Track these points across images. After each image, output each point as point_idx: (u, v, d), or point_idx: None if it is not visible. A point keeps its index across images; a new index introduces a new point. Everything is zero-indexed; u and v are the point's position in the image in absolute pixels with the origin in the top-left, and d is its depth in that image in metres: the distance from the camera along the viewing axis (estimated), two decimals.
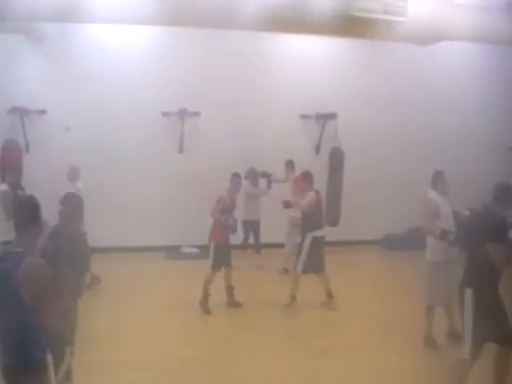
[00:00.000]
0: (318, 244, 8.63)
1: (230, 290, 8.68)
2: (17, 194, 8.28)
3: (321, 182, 11.07)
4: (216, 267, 8.44)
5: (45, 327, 3.46)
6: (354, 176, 12.06)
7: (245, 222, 10.91)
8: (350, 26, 9.37)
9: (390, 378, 6.20)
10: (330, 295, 8.70)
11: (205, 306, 8.35)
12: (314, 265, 8.61)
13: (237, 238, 9.61)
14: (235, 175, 8.76)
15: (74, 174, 9.38)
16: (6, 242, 8.60)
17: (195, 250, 11.64)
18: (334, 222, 11.17)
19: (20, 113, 11.45)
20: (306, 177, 8.84)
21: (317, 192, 8.79)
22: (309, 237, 8.57)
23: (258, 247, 11.15)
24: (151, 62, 12.10)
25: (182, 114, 12.15)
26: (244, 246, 11.12)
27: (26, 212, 3.67)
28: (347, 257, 11.90)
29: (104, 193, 10.95)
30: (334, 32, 10.41)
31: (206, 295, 8.37)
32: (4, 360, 3.52)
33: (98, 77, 11.70)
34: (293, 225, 10.20)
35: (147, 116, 12.04)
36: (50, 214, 4.55)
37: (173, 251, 11.75)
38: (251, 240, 11.23)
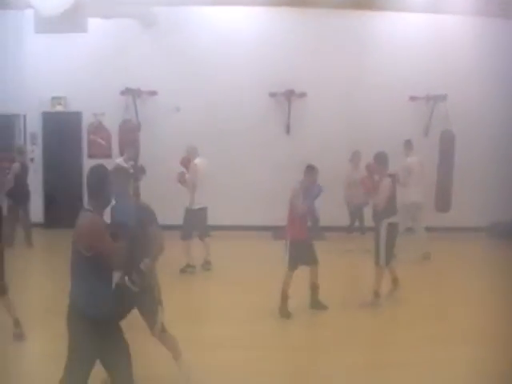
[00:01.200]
0: (394, 231, 7.91)
1: (314, 289, 7.71)
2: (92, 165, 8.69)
3: (431, 166, 10.84)
4: (293, 267, 7.42)
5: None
6: (464, 160, 11.66)
7: (349, 205, 10.89)
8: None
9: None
10: (395, 281, 8.15)
11: (284, 311, 7.38)
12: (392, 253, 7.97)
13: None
14: (310, 168, 7.63)
15: (191, 152, 9.52)
16: None
17: None
18: (445, 207, 10.84)
19: (132, 94, 11.85)
20: (381, 159, 7.91)
21: (392, 176, 7.98)
22: (384, 224, 7.77)
23: (363, 230, 11.05)
24: (259, 43, 12.13)
25: (289, 94, 12.12)
26: (350, 229, 11.09)
27: (95, 179, 4.22)
28: (451, 244, 11.49)
29: (212, 172, 11.12)
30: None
31: (284, 299, 7.39)
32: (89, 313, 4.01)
33: (206, 59, 11.95)
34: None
35: (255, 97, 12.11)
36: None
37: (280, 231, 11.76)
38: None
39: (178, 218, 9.39)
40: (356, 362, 6.00)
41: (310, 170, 7.56)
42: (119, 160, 9.76)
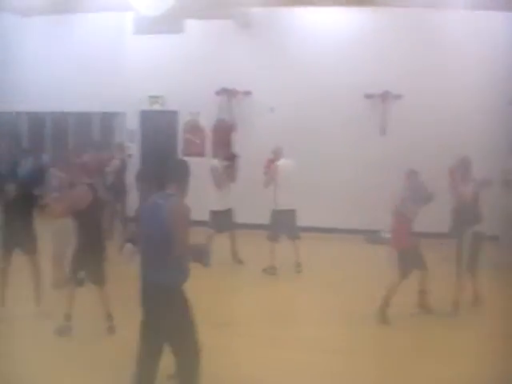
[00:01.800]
0: (478, 240, 7.48)
1: (422, 295, 7.56)
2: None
3: None
4: (404, 276, 7.25)
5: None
6: None
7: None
8: None
9: None
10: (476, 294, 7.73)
11: (384, 317, 7.22)
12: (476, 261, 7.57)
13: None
14: (413, 172, 7.50)
15: (277, 153, 9.56)
16: (216, 212, 9.05)
17: None
18: None
19: (227, 94, 11.98)
20: (464, 164, 7.67)
21: (477, 181, 7.54)
22: (468, 233, 7.40)
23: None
24: (352, 43, 11.91)
25: (385, 96, 11.86)
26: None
27: (186, 170, 4.91)
28: None
29: (305, 172, 11.06)
30: None
31: (386, 305, 7.24)
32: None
33: (300, 59, 11.88)
34: None
35: (351, 98, 11.92)
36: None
37: (372, 235, 11.59)
38: None
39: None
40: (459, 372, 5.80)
41: (413, 174, 7.45)
42: (215, 161, 9.87)
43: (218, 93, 12.00)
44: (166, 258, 4.47)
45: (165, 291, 4.50)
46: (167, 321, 4.50)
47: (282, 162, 9.28)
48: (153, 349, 4.59)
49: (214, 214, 9.55)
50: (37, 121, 14.85)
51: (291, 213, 9.33)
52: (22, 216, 7.07)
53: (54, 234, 8.16)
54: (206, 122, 12.55)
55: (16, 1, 12.00)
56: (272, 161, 9.42)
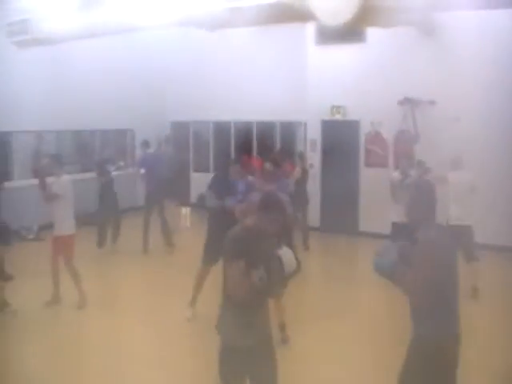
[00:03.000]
0: None
1: None
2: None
3: None
4: None
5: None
6: None
7: None
8: None
9: None
10: None
11: None
12: None
13: None
14: None
15: (455, 162, 9.13)
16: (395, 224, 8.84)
17: None
18: None
19: (411, 104, 11.70)
20: None
21: None
22: None
23: None
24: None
25: None
26: None
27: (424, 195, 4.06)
28: None
29: (490, 185, 10.48)
30: None
31: None
32: None
33: (487, 66, 11.18)
34: None
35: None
36: None
37: None
38: None
39: None
40: None
41: None
42: (395, 174, 9.70)
43: (400, 102, 11.76)
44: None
45: None
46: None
47: (454, 174, 8.83)
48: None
49: (395, 226, 9.37)
50: (223, 130, 15.64)
51: (466, 229, 8.65)
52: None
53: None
54: (388, 133, 12.35)
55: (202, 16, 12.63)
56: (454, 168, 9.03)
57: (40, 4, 10.10)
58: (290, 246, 6.60)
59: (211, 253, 7.49)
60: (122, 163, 15.10)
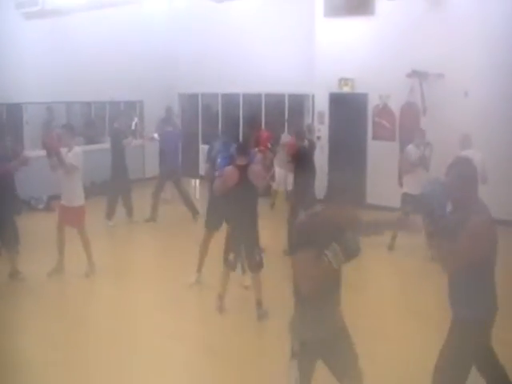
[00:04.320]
0: None
1: None
2: None
3: None
4: None
5: None
6: None
7: None
8: None
9: None
10: None
11: None
12: None
13: None
14: None
15: (464, 141, 9.19)
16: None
17: None
18: None
19: (419, 76, 11.68)
20: None
21: None
22: None
23: None
24: None
25: None
26: None
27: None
28: None
29: (497, 165, 10.45)
30: None
31: None
32: None
33: (498, 39, 11.08)
34: None
35: None
36: None
37: None
38: None
39: None
40: None
41: None
42: (410, 146, 9.71)
43: (408, 75, 11.72)
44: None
45: None
46: None
47: (466, 153, 8.84)
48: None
49: (405, 196, 9.43)
50: (231, 101, 15.65)
51: None
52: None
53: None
54: (397, 105, 12.35)
55: None
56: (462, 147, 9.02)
57: None
58: None
59: (212, 218, 7.95)
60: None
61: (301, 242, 3.82)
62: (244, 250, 7.10)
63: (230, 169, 7.03)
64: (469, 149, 8.92)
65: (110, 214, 11.39)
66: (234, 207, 7.00)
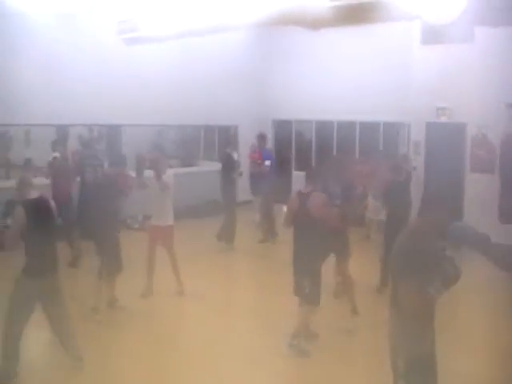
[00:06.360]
0: None
1: None
2: None
3: None
4: None
5: None
6: None
7: None
8: None
9: None
10: None
11: None
12: None
13: None
14: None
15: None
16: None
17: None
18: None
19: None
20: None
21: None
22: None
23: None
24: None
25: None
26: None
27: None
28: None
29: None
30: None
31: None
32: None
33: None
34: None
35: None
36: None
37: None
38: None
39: None
40: None
41: None
42: None
43: (508, 105, 11.26)
44: None
45: None
46: None
47: None
48: None
49: None
50: (325, 129, 15.60)
51: None
52: None
53: None
54: (496, 137, 11.88)
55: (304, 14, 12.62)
56: None
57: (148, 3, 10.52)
58: None
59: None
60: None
61: (403, 268, 3.98)
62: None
63: (292, 196, 6.92)
64: None
65: (230, 237, 11.59)
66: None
